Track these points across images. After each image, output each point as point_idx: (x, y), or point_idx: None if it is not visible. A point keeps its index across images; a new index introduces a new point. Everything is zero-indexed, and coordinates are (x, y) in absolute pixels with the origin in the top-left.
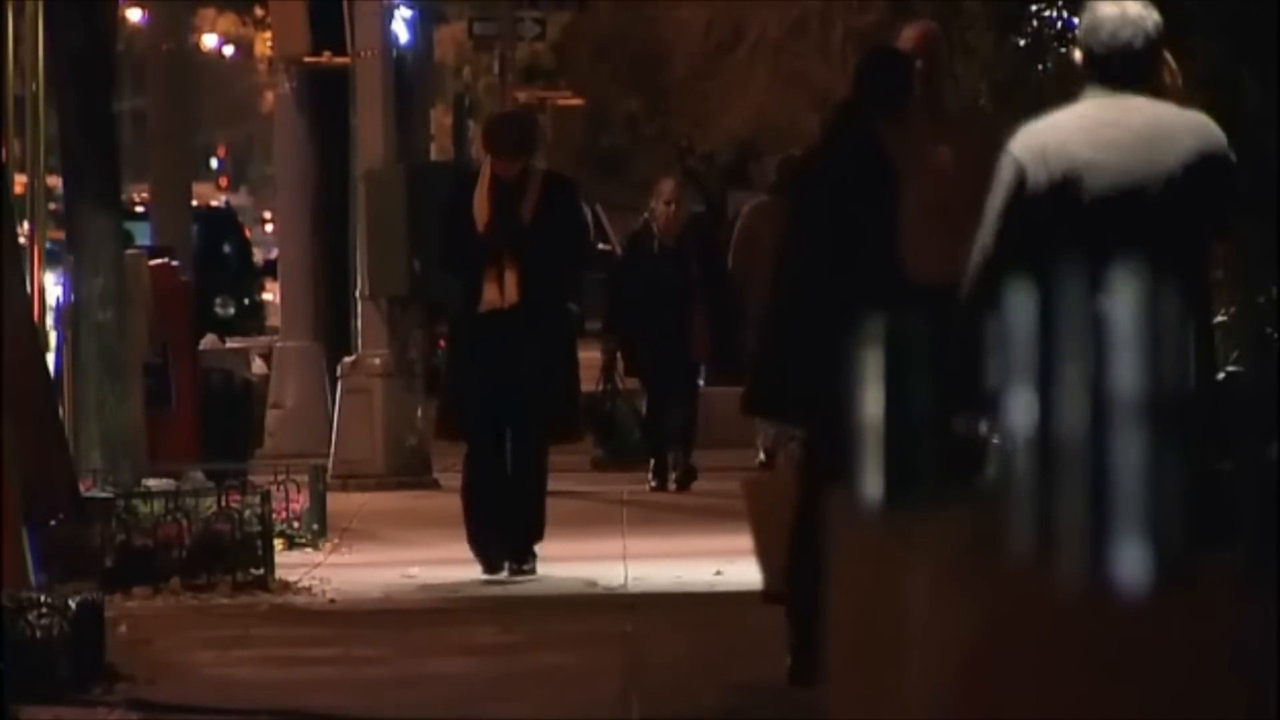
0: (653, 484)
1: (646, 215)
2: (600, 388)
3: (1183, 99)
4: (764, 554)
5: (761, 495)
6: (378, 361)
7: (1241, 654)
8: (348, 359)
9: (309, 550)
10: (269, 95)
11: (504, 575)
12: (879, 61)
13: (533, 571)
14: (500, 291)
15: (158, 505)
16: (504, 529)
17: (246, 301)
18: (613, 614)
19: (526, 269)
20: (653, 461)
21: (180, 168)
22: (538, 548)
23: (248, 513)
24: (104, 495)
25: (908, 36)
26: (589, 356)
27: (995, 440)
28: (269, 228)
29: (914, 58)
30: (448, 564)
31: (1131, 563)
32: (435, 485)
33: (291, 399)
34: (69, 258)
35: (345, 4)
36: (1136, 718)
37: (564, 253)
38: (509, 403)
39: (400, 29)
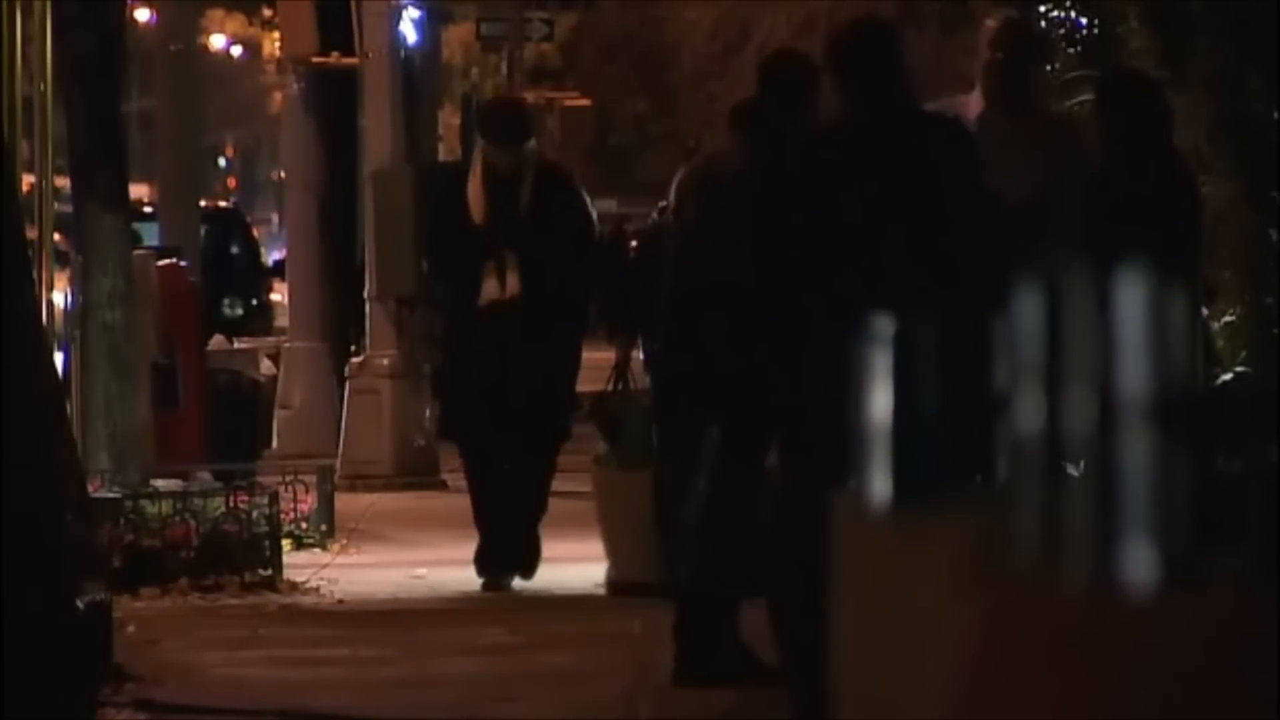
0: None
1: (657, 214)
2: (611, 387)
3: None
4: (612, 544)
5: (608, 485)
6: (386, 362)
7: (1247, 654)
8: (355, 359)
9: (317, 551)
10: (277, 96)
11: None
12: (781, 64)
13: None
14: (501, 285)
15: (165, 506)
16: (507, 542)
17: (254, 302)
18: (619, 614)
19: (527, 261)
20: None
21: (188, 168)
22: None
23: (255, 513)
24: (112, 496)
25: (988, 27)
26: (602, 357)
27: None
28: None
29: (992, 50)
30: (455, 565)
31: (1135, 563)
32: (443, 486)
33: (299, 399)
34: (77, 258)
35: (353, 5)
36: (1142, 718)
37: (566, 244)
38: (508, 409)
39: (408, 29)
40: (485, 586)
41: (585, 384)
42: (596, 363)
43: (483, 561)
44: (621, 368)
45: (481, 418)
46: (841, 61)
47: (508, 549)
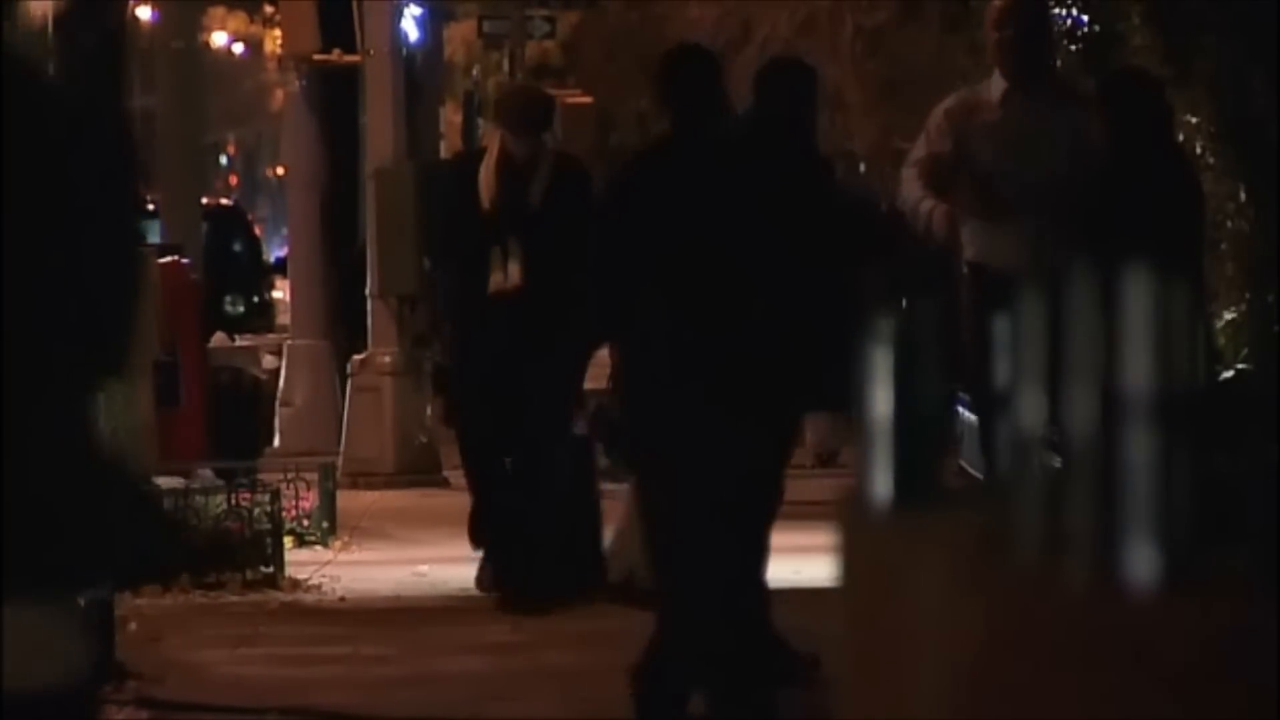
0: None
1: None
2: (609, 388)
3: None
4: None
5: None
6: (388, 359)
7: (1249, 654)
8: (358, 356)
9: (318, 548)
10: (278, 93)
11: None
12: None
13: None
14: (505, 275)
15: (167, 503)
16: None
17: (256, 299)
18: (622, 613)
19: (533, 253)
20: None
21: (189, 166)
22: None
23: (257, 511)
24: None
25: (994, 6)
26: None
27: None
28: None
29: (998, 28)
30: (457, 562)
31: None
32: (445, 483)
33: (301, 397)
34: None
35: (355, 2)
36: (1144, 717)
37: (575, 237)
38: (512, 404)
39: (410, 27)
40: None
41: (592, 381)
42: (603, 360)
43: (492, 572)
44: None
45: (484, 413)
46: (659, 86)
47: (513, 562)
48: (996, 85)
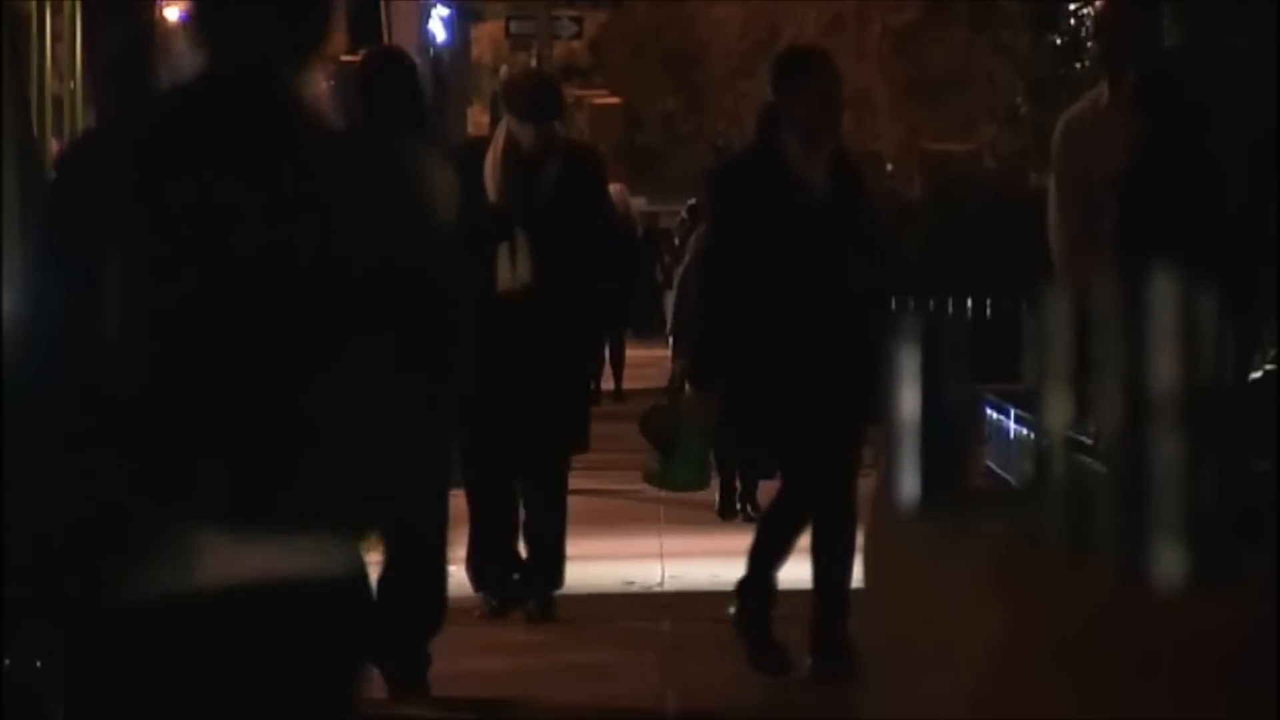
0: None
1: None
2: (668, 401)
3: None
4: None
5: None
6: None
7: (1273, 654)
8: None
9: None
10: None
11: (512, 617)
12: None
13: (550, 616)
14: (513, 271)
15: None
16: (515, 562)
17: None
18: (649, 612)
19: (545, 249)
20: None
21: None
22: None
23: None
24: None
25: (1097, 10)
26: (643, 355)
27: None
28: None
29: (1096, 38)
30: None
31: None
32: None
33: None
34: None
35: (382, 2)
36: (1169, 717)
37: (587, 232)
38: (518, 414)
39: (437, 27)
40: (486, 611)
41: (630, 381)
42: (636, 360)
43: (482, 579)
44: (681, 380)
45: (487, 424)
46: (359, 87)
47: (514, 569)
48: (1103, 94)
